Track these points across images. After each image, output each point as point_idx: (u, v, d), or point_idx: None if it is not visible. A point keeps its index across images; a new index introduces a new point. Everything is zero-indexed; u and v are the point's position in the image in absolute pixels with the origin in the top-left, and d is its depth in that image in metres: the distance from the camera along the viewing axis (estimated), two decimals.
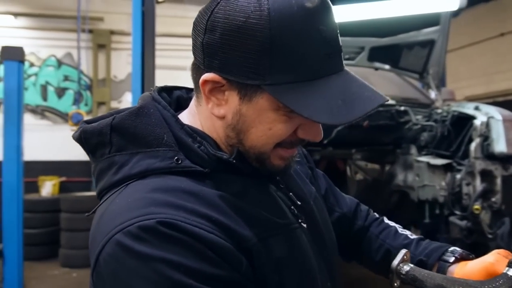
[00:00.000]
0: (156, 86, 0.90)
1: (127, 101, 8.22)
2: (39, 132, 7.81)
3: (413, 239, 1.08)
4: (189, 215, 0.70)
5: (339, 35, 0.77)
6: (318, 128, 0.81)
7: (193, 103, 0.87)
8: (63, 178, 7.80)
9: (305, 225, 0.87)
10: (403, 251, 0.97)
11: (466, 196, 2.75)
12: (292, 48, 0.71)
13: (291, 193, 0.90)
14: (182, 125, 0.81)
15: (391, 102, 3.54)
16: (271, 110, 0.76)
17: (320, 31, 0.73)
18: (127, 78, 8.35)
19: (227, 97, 0.78)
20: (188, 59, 0.86)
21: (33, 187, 7.36)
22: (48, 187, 7.46)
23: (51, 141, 7.91)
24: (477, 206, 2.61)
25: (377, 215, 1.21)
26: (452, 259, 0.97)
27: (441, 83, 4.04)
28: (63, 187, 7.72)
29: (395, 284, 0.96)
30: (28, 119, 7.25)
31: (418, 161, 3.18)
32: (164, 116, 0.81)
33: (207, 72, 0.77)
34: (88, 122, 0.85)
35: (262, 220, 0.78)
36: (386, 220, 1.19)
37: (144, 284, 0.66)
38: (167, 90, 0.92)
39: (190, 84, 0.93)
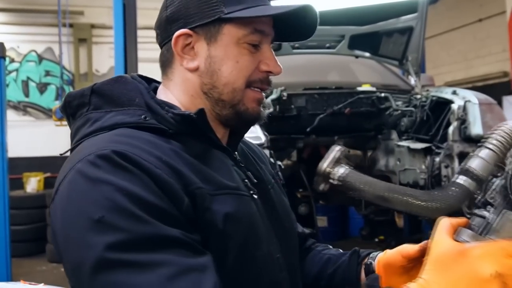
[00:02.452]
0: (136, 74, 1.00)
1: None
2: (22, 128, 7.76)
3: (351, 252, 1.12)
4: (142, 152, 0.78)
5: None
6: (275, 61, 0.94)
7: (162, 83, 0.99)
8: (48, 174, 7.77)
9: (256, 197, 0.94)
10: (337, 147, 0.90)
11: (445, 178, 2.84)
12: None
13: (248, 172, 0.98)
14: (153, 96, 0.91)
15: (371, 88, 3.60)
16: (234, 44, 0.91)
17: None
18: (110, 72, 8.30)
19: (197, 50, 0.92)
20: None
21: (17, 184, 7.33)
22: (33, 183, 7.43)
23: (35, 137, 7.87)
24: None
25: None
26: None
27: (421, 69, 4.12)
28: (48, 183, 7.68)
29: (320, 188, 0.90)
30: (10, 115, 7.19)
31: (399, 146, 3.26)
32: (139, 87, 0.92)
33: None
34: None
35: (214, 179, 0.85)
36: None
37: (90, 204, 0.72)
38: (146, 79, 1.01)
39: None
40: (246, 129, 1.02)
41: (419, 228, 5.35)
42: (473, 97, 2.88)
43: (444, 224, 0.73)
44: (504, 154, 0.78)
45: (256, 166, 1.05)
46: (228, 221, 0.82)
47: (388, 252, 0.98)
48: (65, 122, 7.57)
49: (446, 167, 2.83)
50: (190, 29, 0.90)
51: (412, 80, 4.31)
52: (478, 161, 0.81)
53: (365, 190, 0.81)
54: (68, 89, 8.12)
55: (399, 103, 3.44)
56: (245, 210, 0.87)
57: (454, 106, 2.88)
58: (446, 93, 3.13)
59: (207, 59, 0.91)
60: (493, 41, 8.23)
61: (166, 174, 0.77)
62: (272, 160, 1.17)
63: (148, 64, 6.87)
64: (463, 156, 2.80)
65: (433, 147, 2.98)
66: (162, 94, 0.96)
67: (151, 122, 0.86)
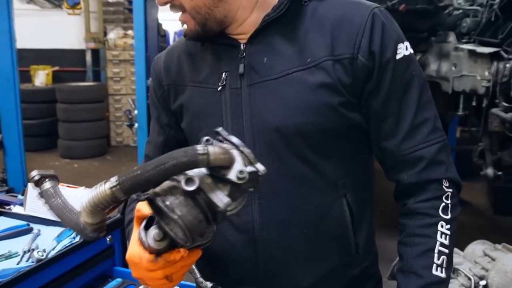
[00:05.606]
0: None
1: None
2: (26, 17, 7.27)
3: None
4: (162, 57, 1.12)
5: None
6: None
7: None
8: (56, 68, 7.45)
9: (219, 89, 0.99)
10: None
11: None
12: None
13: (242, 64, 0.97)
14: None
15: None
16: None
17: None
18: None
19: None
20: None
21: (25, 77, 7.00)
22: (41, 77, 7.14)
23: (41, 28, 7.43)
24: None
25: (440, 203, 0.95)
26: None
27: None
28: (56, 77, 7.39)
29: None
30: (14, 3, 6.72)
31: (458, 49, 2.95)
32: None
33: None
34: None
35: (188, 75, 1.05)
36: (440, 227, 0.95)
37: None
38: None
39: None
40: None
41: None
42: None
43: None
44: None
45: (275, 57, 0.95)
46: (182, 108, 1.06)
47: None
48: (77, 10, 7.12)
49: None
50: None
51: None
52: None
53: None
54: None
55: (461, 1, 3.08)
56: (198, 100, 1.02)
57: None
58: None
59: None
60: None
61: (160, 73, 1.10)
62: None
63: None
64: None
65: (502, 52, 2.68)
66: None
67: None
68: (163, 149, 1.11)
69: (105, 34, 7.48)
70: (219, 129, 0.74)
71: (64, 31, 7.49)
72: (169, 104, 1.10)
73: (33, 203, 1.75)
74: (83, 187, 1.86)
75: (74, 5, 6.26)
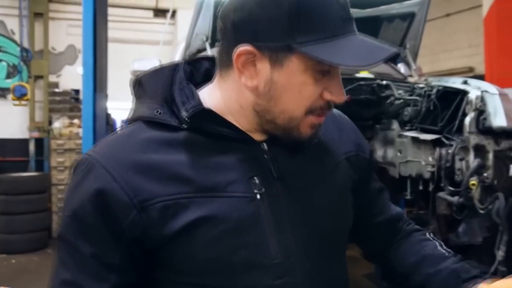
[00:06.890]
0: (185, 58, 0.96)
1: (67, 74, 7.67)
2: None
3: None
4: (111, 160, 0.83)
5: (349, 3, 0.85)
6: (341, 89, 0.87)
7: (216, 78, 0.92)
8: None
9: (259, 197, 0.86)
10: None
11: (458, 172, 2.71)
12: (315, 11, 0.80)
13: (273, 166, 0.89)
14: (184, 87, 0.89)
15: (371, 76, 3.43)
16: (300, 72, 0.82)
17: None
18: (67, 50, 7.80)
19: (259, 69, 0.84)
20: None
21: None
22: None
23: None
24: (473, 181, 2.56)
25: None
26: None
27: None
28: None
29: None
30: None
31: (402, 136, 3.10)
32: (171, 78, 0.90)
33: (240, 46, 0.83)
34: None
35: (198, 181, 0.83)
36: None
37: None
38: (196, 61, 0.98)
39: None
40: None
41: None
42: (491, 87, 2.76)
43: None
44: None
45: (302, 158, 0.94)
46: (193, 227, 0.81)
47: (498, 284, 0.87)
48: (24, 102, 6.99)
49: (461, 160, 2.70)
50: (255, 46, 0.82)
51: (402, 68, 4.18)
52: None
53: None
54: (20, 66, 7.50)
55: (401, 91, 3.29)
56: (226, 213, 0.82)
57: (472, 96, 2.74)
58: (454, 83, 3.01)
59: (268, 83, 0.84)
60: (460, 36, 8.32)
61: (128, 189, 0.80)
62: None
63: (117, 44, 6.47)
64: (478, 149, 2.68)
65: (443, 139, 2.84)
66: (212, 88, 0.93)
67: (162, 118, 0.87)
68: None
69: (50, 123, 7.36)
70: None
71: (7, 121, 7.31)
72: (149, 232, 0.80)
73: None
74: None
75: (21, 96, 6.16)
